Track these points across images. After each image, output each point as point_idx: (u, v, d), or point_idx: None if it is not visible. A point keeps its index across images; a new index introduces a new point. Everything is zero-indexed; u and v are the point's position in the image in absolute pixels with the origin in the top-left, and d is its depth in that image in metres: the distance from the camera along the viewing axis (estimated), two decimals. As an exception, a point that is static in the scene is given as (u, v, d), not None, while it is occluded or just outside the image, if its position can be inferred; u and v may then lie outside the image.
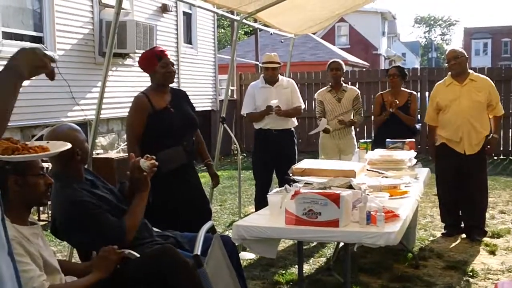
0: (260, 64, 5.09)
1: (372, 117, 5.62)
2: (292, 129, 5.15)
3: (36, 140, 2.64)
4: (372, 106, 6.26)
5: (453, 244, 4.71)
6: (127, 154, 4.26)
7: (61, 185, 2.54)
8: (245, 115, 5.36)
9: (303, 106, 5.31)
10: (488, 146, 4.81)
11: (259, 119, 5.03)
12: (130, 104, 3.54)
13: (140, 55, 3.70)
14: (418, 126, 5.54)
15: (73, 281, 2.28)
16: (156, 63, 3.43)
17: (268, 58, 5.00)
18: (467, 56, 4.84)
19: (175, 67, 3.66)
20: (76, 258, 3.53)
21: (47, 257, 2.13)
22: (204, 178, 4.68)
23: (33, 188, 2.16)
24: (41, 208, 5.77)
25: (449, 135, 4.79)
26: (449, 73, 4.89)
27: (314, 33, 20.76)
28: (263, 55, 5.20)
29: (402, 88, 5.49)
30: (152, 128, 3.39)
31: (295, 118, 5.18)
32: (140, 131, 3.39)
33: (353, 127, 5.46)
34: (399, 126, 5.24)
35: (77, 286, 2.23)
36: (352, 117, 5.33)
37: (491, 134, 4.79)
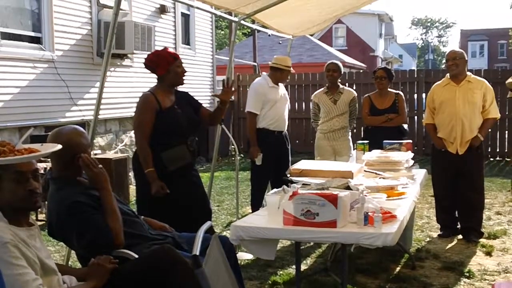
0: (277, 66, 5.00)
1: (363, 118, 5.60)
2: (286, 132, 5.19)
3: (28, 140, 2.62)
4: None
5: (450, 245, 4.73)
6: (125, 154, 4.26)
7: (57, 187, 2.54)
8: (248, 112, 5.10)
9: None
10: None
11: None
12: (128, 105, 3.58)
13: (137, 55, 3.72)
14: (406, 126, 5.55)
15: (69, 287, 2.27)
16: (172, 62, 3.46)
17: (288, 62, 4.99)
18: (466, 59, 4.86)
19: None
20: (74, 258, 3.54)
21: (44, 258, 2.13)
22: (203, 179, 4.70)
23: (8, 193, 2.08)
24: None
25: (444, 135, 4.81)
26: (448, 74, 4.92)
27: (311, 35, 20.78)
28: (268, 57, 5.21)
29: (388, 89, 5.52)
30: (159, 126, 3.42)
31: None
32: (149, 128, 3.42)
33: (348, 129, 5.48)
34: (388, 127, 5.28)
35: None
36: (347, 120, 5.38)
37: (477, 133, 4.74)
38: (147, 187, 3.43)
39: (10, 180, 2.09)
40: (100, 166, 2.58)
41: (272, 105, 4.96)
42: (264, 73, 5.28)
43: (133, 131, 3.75)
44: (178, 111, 3.50)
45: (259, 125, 5.02)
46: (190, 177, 3.58)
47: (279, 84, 5.09)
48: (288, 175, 3.67)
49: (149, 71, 3.60)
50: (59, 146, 2.24)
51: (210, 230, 2.97)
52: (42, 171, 4.73)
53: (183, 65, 3.61)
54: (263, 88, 5.00)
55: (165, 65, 3.46)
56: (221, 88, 3.82)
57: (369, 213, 2.75)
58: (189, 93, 3.82)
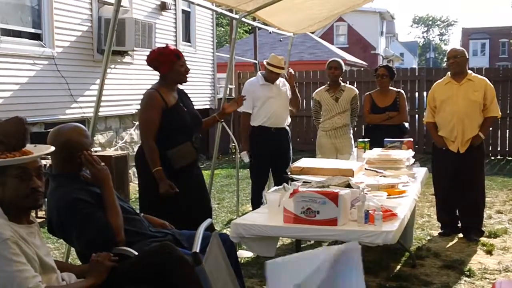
0: (265, 64, 5.00)
1: (365, 117, 5.59)
2: (287, 128, 5.16)
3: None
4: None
5: (450, 244, 4.72)
6: (125, 152, 4.25)
7: (56, 185, 2.53)
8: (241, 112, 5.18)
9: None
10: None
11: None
12: (128, 102, 3.56)
13: (138, 52, 3.71)
14: (406, 125, 5.55)
15: (68, 284, 2.26)
16: (175, 60, 3.44)
17: (277, 62, 4.88)
18: (467, 57, 4.85)
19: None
20: (73, 256, 3.53)
21: (43, 256, 2.13)
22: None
23: (10, 189, 2.09)
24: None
25: (445, 133, 4.81)
26: (449, 72, 4.91)
27: (312, 32, 20.77)
28: (269, 55, 5.16)
29: (390, 88, 5.51)
30: (165, 124, 3.40)
31: (289, 116, 5.18)
32: (156, 126, 3.40)
33: (350, 126, 5.47)
34: (388, 125, 5.28)
35: None
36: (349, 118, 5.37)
37: (478, 132, 4.73)
38: (150, 185, 3.41)
39: (14, 177, 2.10)
40: (103, 164, 2.58)
41: (264, 102, 4.95)
42: (259, 72, 5.27)
43: (133, 129, 3.75)
44: (183, 108, 3.50)
45: (254, 123, 5.04)
46: (191, 175, 3.57)
47: (278, 81, 5.06)
48: (289, 173, 3.66)
49: (152, 69, 3.58)
50: (52, 148, 2.25)
51: (211, 228, 2.97)
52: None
53: (184, 62, 3.59)
54: (252, 86, 5.05)
55: (168, 64, 3.44)
56: (222, 86, 3.83)
57: (369, 211, 2.75)
58: (190, 90, 3.81)
